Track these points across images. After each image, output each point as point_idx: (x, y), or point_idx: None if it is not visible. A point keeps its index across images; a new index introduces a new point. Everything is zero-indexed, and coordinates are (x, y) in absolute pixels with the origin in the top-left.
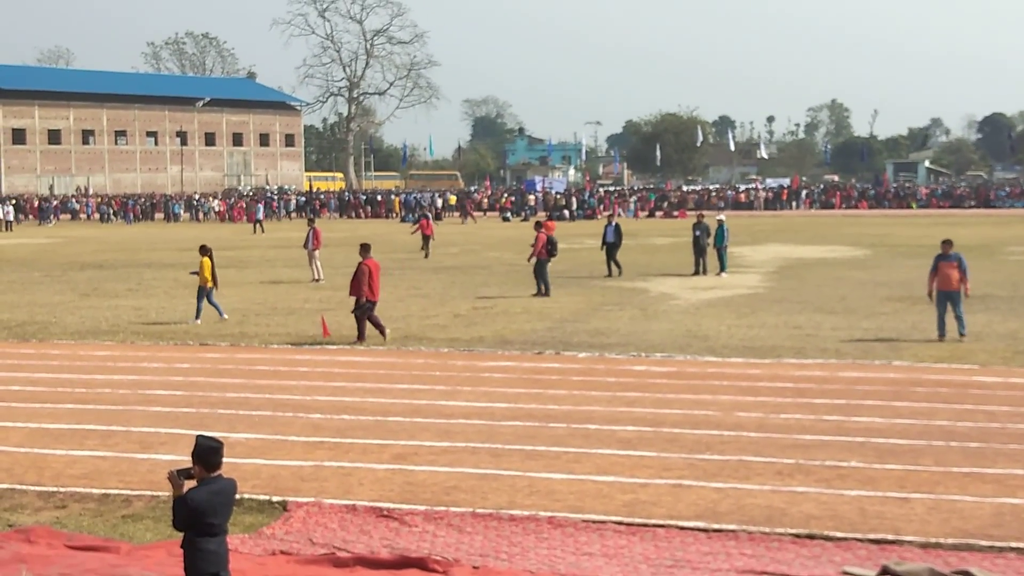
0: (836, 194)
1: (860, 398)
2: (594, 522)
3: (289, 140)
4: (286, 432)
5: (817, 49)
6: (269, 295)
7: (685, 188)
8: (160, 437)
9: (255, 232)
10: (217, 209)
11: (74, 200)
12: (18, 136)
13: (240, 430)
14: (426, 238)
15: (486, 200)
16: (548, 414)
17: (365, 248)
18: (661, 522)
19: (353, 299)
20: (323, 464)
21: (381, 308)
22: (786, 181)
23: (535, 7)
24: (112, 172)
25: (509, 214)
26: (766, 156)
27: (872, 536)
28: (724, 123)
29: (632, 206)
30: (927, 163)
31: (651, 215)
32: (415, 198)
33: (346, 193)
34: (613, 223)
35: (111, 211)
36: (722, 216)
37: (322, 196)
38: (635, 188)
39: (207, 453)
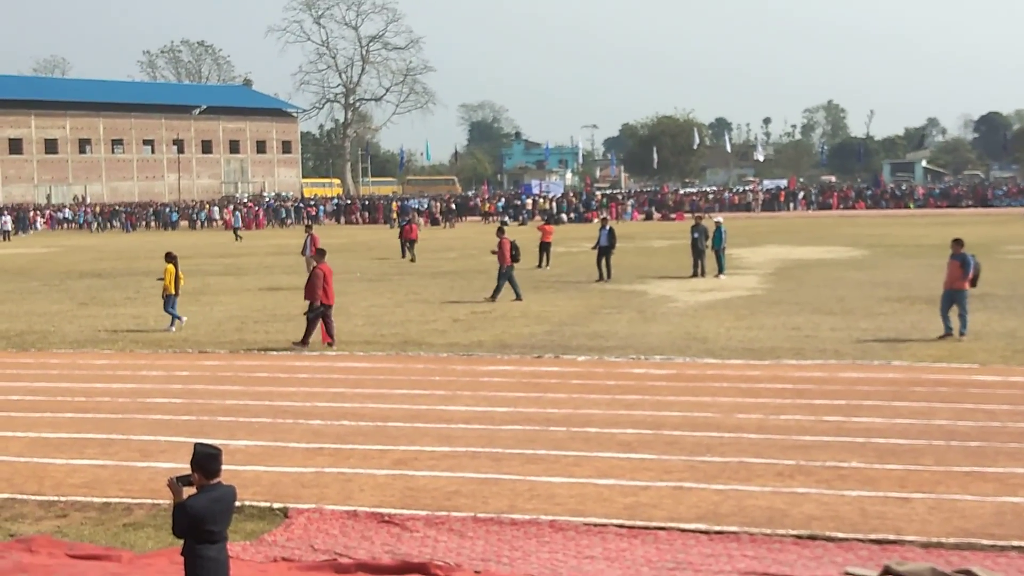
0: (833, 195)
1: (860, 398)
2: (595, 525)
3: (286, 147)
4: (286, 439)
5: (813, 50)
6: (268, 302)
7: (682, 191)
8: (160, 445)
9: (236, 240)
10: (224, 218)
11: (68, 210)
12: (15, 146)
13: (240, 437)
14: (411, 242)
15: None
16: (548, 418)
17: (320, 253)
18: (662, 524)
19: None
20: (324, 470)
21: (380, 312)
22: (783, 183)
23: (530, 12)
24: (109, 181)
25: (507, 218)
26: (763, 158)
27: (873, 536)
28: (721, 125)
29: (629, 209)
30: (924, 163)
31: (648, 218)
32: (407, 205)
33: (338, 199)
34: (607, 227)
35: (99, 220)
36: (720, 218)
37: (312, 202)
38: (632, 191)
39: (205, 460)
